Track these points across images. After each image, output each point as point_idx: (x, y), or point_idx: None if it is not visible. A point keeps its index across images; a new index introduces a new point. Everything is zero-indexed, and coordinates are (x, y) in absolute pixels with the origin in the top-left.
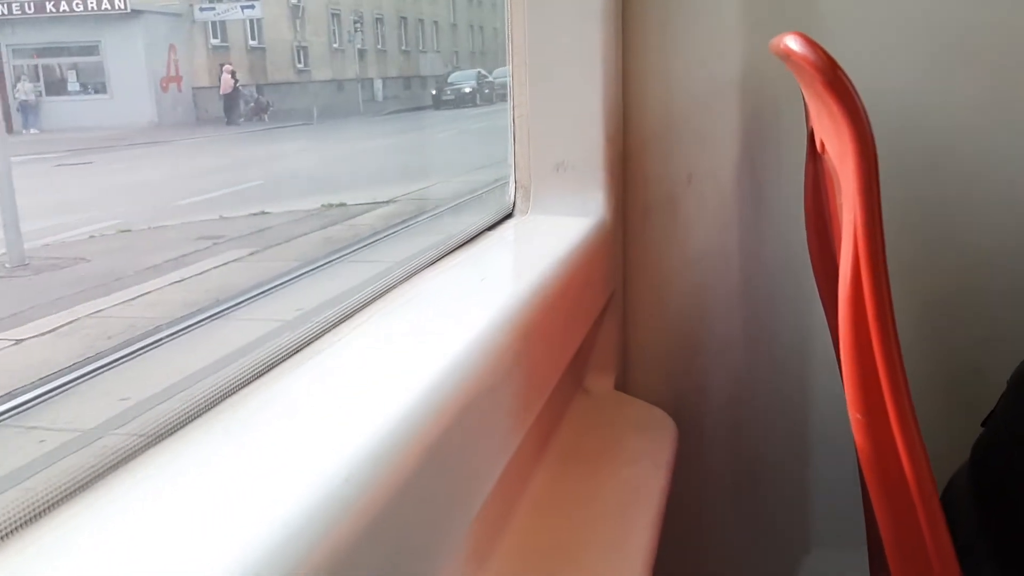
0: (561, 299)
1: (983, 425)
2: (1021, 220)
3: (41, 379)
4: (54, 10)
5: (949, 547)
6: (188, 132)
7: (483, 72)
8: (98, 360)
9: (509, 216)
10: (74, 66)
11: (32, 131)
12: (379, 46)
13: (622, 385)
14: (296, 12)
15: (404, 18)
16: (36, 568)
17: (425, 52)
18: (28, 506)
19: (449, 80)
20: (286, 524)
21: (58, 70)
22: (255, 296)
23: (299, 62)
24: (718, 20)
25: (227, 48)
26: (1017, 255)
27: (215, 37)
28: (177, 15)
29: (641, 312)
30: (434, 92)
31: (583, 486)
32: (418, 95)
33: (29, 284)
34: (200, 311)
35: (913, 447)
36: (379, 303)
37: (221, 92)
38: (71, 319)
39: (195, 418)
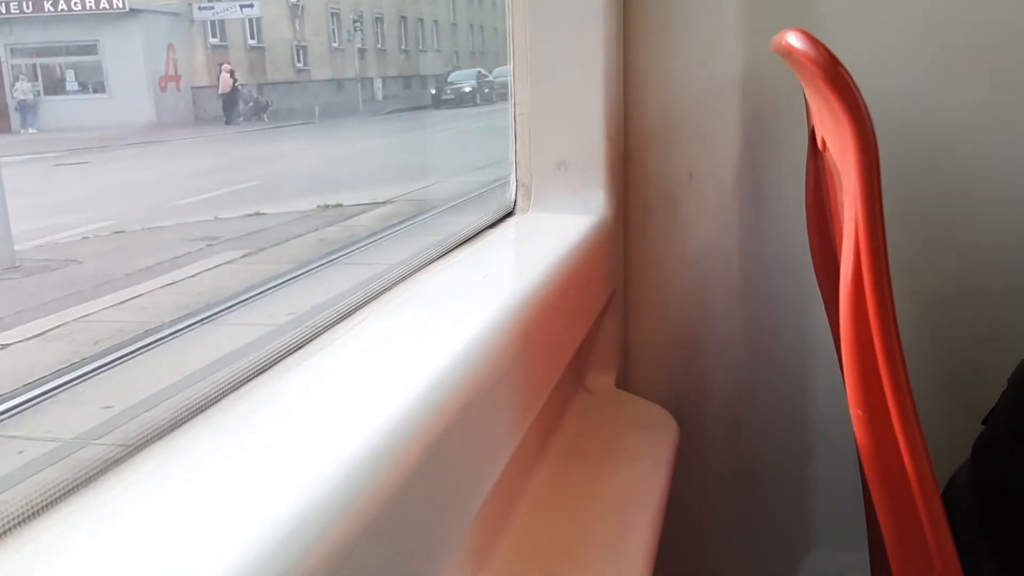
0: (562, 297)
1: (983, 423)
2: (1021, 220)
3: (25, 386)
4: (52, 9)
5: (950, 544)
6: (186, 131)
7: (483, 71)
8: (84, 366)
9: (510, 214)
10: (73, 65)
11: (30, 130)
12: (379, 45)
13: (623, 384)
14: (295, 11)
15: (404, 17)
16: (36, 566)
17: (425, 51)
18: (28, 504)
19: (449, 79)
20: (287, 521)
21: (57, 69)
22: (246, 300)
23: (298, 61)
24: (718, 19)
25: (226, 47)
26: (1017, 255)
27: (214, 36)
28: (176, 14)
29: (642, 310)
30: (434, 91)
31: (584, 484)
32: (418, 94)
33: (19, 287)
34: (190, 315)
35: (914, 443)
36: (380, 301)
37: (220, 91)
38: (59, 323)
39: (195, 416)
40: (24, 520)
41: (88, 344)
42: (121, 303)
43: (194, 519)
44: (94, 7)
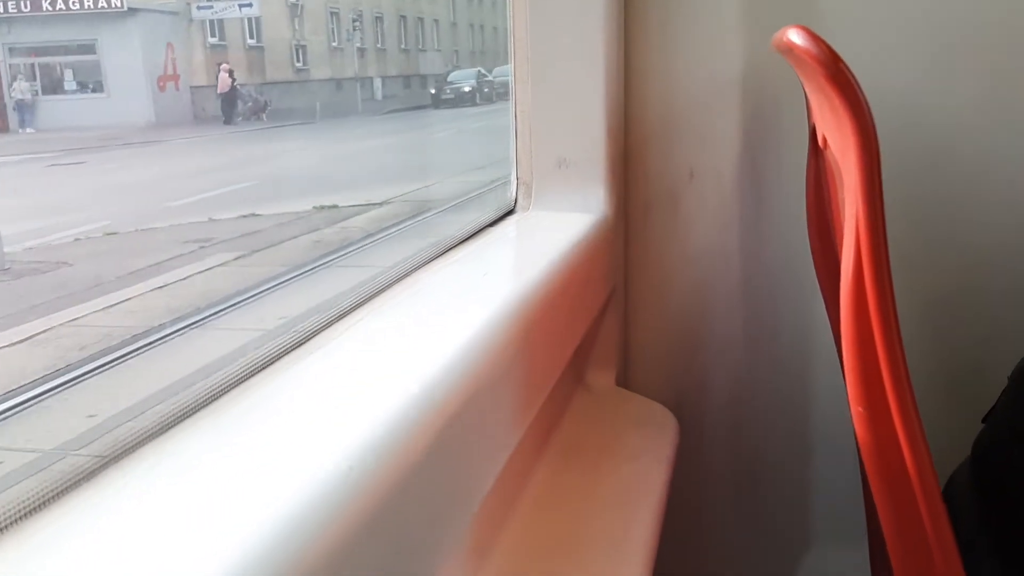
0: (562, 295)
1: (984, 421)
2: (1022, 218)
3: (7, 393)
4: (50, 8)
5: (951, 541)
6: (185, 131)
7: (483, 71)
8: (68, 372)
9: (511, 212)
10: (71, 65)
11: (28, 130)
12: (378, 45)
13: (623, 382)
14: (295, 11)
15: (404, 16)
16: (33, 564)
17: (425, 51)
18: (24, 502)
19: (448, 79)
20: (287, 516)
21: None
22: (237, 304)
23: (297, 61)
24: (719, 17)
25: (225, 47)
26: (1018, 253)
27: (213, 36)
28: (174, 13)
29: (642, 308)
30: (433, 91)
31: (584, 482)
32: (417, 94)
33: (7, 290)
34: (179, 319)
35: (915, 440)
36: (381, 298)
37: (218, 91)
38: (46, 327)
39: (194, 412)
40: (20, 518)
41: (74, 349)
42: (110, 307)
43: (193, 516)
44: (92, 6)
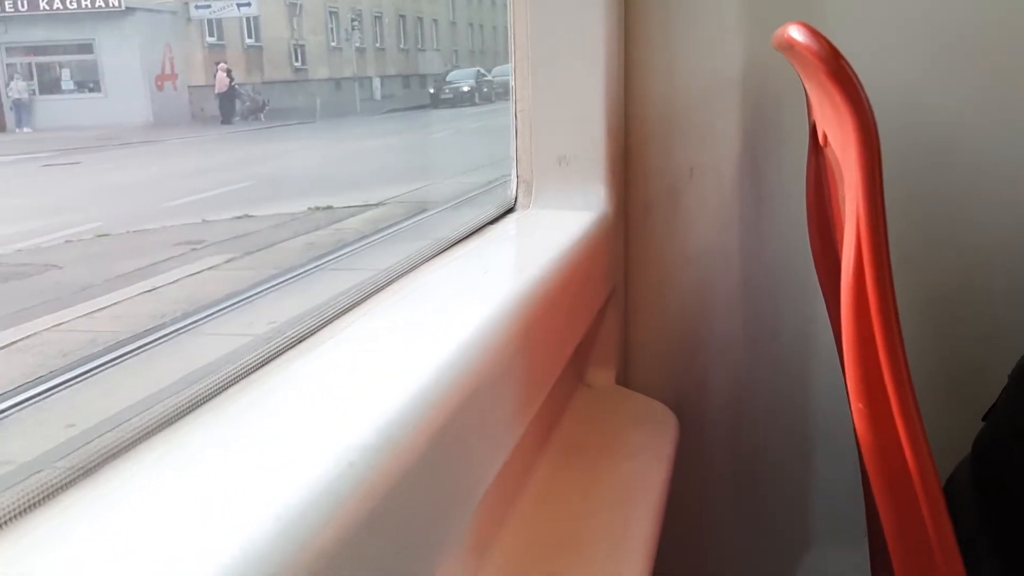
0: (563, 293)
1: (984, 420)
2: (1022, 218)
3: None
4: (48, 8)
5: (952, 540)
6: (182, 131)
7: (482, 71)
8: (49, 380)
9: (511, 210)
10: (68, 64)
11: (25, 130)
12: (377, 44)
13: (623, 380)
14: (293, 10)
15: (403, 16)
16: (34, 559)
17: (424, 50)
18: (25, 497)
19: (448, 79)
20: (288, 511)
21: (52, 69)
22: (226, 308)
23: (296, 60)
24: (720, 16)
25: (223, 46)
26: (1018, 252)
27: (211, 35)
28: (172, 13)
29: (642, 307)
30: (432, 91)
31: (584, 480)
32: (416, 94)
33: None
34: (165, 324)
35: (915, 437)
36: (382, 295)
37: (216, 91)
38: (30, 333)
39: (195, 408)
40: (21, 513)
41: (57, 356)
42: (96, 311)
43: (194, 511)
44: (90, 6)
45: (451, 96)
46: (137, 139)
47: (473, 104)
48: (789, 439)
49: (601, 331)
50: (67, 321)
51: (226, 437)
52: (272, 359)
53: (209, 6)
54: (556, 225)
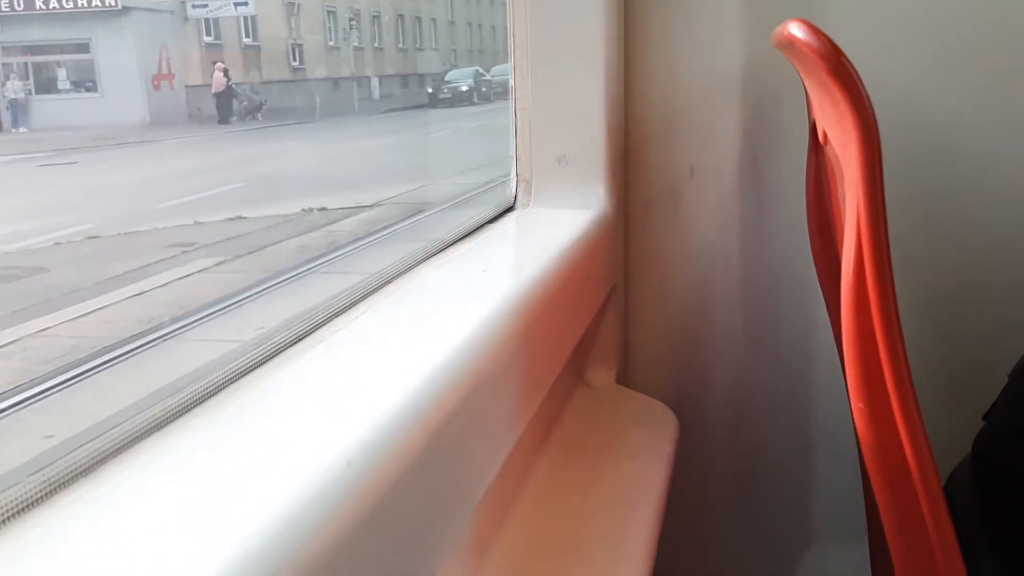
0: (562, 292)
1: (984, 419)
2: (1023, 217)
3: None
4: (44, 7)
5: (952, 539)
6: (179, 131)
7: (481, 70)
8: (30, 388)
9: (511, 209)
10: (65, 64)
11: (22, 130)
12: (376, 44)
13: (623, 379)
14: (291, 9)
15: (401, 15)
16: (32, 559)
17: (422, 50)
18: (23, 496)
19: (446, 78)
20: (287, 510)
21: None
22: (214, 313)
23: (294, 60)
24: (719, 16)
25: (220, 46)
26: (1019, 251)
27: (208, 34)
28: (169, 12)
29: (642, 306)
30: (430, 90)
31: (584, 479)
32: (415, 93)
33: None
34: (152, 330)
35: (916, 436)
36: (380, 294)
37: (213, 90)
38: (14, 338)
39: (193, 408)
40: (15, 515)
41: (40, 363)
42: (83, 316)
43: (191, 512)
44: (86, 5)
45: (449, 96)
46: (133, 139)
47: (471, 104)
48: (789, 438)
49: (601, 330)
50: (53, 326)
51: (225, 437)
52: (271, 358)
53: (206, 5)
54: (556, 224)
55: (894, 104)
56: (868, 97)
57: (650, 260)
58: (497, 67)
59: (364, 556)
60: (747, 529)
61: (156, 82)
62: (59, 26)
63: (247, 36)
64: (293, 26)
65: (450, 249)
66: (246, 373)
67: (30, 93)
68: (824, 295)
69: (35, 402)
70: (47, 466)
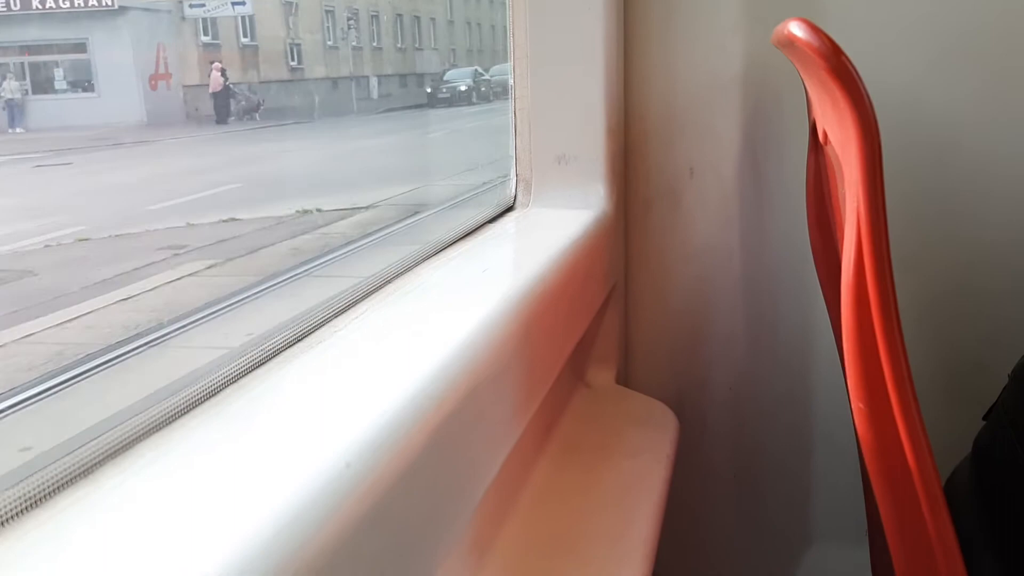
0: (562, 292)
1: (984, 419)
2: (1023, 216)
3: None
4: (40, 7)
5: (952, 538)
6: (176, 131)
7: (480, 70)
8: (10, 398)
9: (510, 209)
10: (61, 64)
11: (18, 130)
12: (374, 43)
13: (623, 379)
14: (289, 9)
15: (400, 15)
16: (35, 558)
17: (421, 49)
18: (25, 495)
19: (445, 78)
20: (287, 509)
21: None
22: (202, 318)
23: (292, 59)
24: (719, 15)
25: (218, 45)
26: (1019, 251)
27: (206, 34)
28: (167, 12)
29: (643, 305)
30: (429, 90)
31: (584, 479)
32: (414, 93)
33: None
34: (138, 336)
35: (916, 436)
36: (381, 294)
37: (211, 90)
38: None
39: (194, 407)
40: (16, 515)
41: (23, 370)
42: (68, 321)
43: (191, 511)
44: (83, 5)
45: (448, 95)
46: (130, 139)
47: (471, 103)
48: (790, 437)
49: (601, 330)
50: (37, 332)
51: (224, 437)
52: (271, 358)
53: (203, 5)
54: (556, 224)
55: (894, 103)
56: (868, 97)
57: (650, 260)
58: (496, 67)
59: (364, 556)
60: (747, 529)
61: (153, 82)
62: (56, 26)
63: (245, 36)
64: (291, 26)
65: (450, 249)
66: (246, 374)
67: (27, 93)
68: (824, 295)
69: (16, 411)
70: (47, 466)
